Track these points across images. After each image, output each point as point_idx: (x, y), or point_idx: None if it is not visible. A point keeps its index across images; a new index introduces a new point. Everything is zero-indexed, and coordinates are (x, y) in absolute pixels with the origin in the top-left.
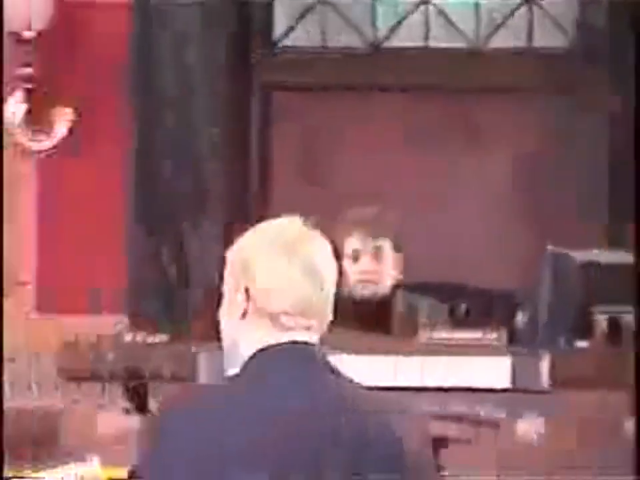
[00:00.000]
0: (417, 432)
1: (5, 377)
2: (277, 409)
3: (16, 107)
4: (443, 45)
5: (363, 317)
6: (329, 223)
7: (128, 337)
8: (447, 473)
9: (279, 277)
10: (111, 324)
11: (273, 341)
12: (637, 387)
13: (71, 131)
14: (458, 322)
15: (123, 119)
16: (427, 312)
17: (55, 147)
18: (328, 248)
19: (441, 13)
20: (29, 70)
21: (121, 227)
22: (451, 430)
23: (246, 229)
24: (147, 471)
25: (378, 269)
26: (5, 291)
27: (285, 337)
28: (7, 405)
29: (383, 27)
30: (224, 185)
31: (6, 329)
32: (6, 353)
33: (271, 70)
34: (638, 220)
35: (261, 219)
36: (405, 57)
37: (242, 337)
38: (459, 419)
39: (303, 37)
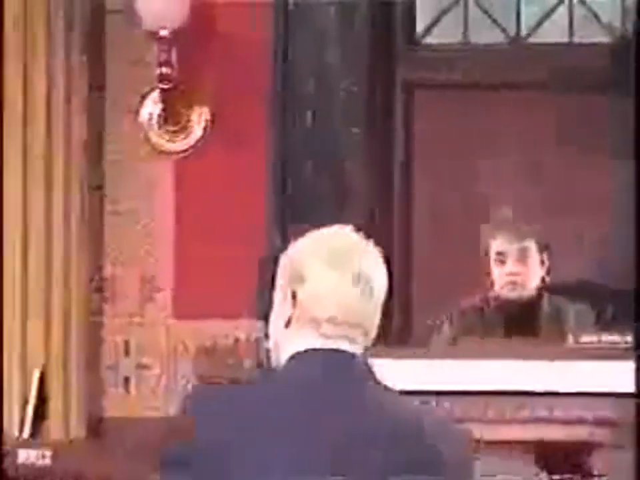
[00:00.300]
0: (453, 442)
1: (143, 384)
2: (300, 408)
3: (152, 107)
4: (586, 40)
5: (510, 320)
6: (473, 225)
7: (266, 343)
8: None
9: (327, 283)
10: (248, 329)
11: (311, 347)
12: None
13: (207, 131)
14: (605, 325)
15: (261, 119)
16: (574, 315)
17: (191, 148)
18: (379, 258)
19: (584, 5)
20: (165, 69)
21: (259, 230)
22: (596, 435)
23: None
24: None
25: (524, 271)
26: (144, 298)
27: (326, 344)
28: (146, 413)
29: (526, 22)
30: (365, 186)
31: (145, 335)
32: (145, 360)
33: (413, 68)
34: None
35: (403, 220)
36: (549, 52)
37: (285, 341)
38: (606, 423)
39: (445, 33)
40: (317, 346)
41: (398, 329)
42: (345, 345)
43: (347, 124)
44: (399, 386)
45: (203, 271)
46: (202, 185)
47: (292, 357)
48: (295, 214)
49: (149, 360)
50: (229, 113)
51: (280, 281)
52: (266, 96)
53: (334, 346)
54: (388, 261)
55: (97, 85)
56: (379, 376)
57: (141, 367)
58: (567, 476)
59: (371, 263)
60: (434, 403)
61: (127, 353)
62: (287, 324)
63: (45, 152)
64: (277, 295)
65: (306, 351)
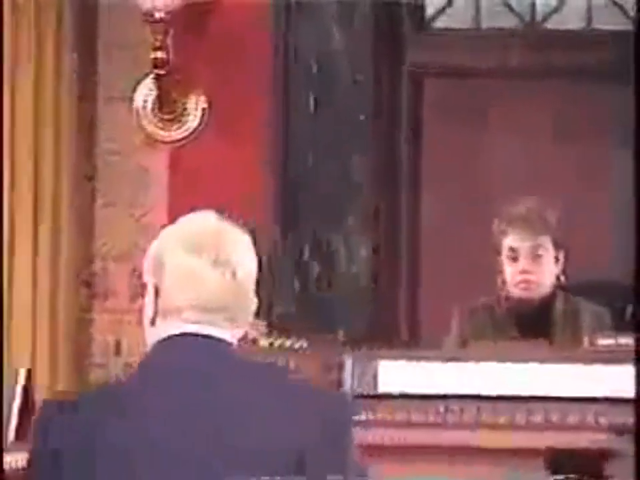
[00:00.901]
0: (339, 405)
1: None
2: (167, 395)
3: (146, 93)
4: (607, 27)
5: (522, 321)
6: (484, 219)
7: (265, 342)
8: None
9: (186, 269)
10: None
11: (173, 333)
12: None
13: (204, 120)
14: (622, 327)
15: (261, 108)
16: (590, 315)
17: (187, 137)
18: (245, 240)
19: None
20: (160, 54)
21: (258, 225)
22: (613, 442)
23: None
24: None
25: (537, 269)
26: (136, 294)
27: (188, 330)
28: None
29: (541, 6)
30: (370, 177)
31: (136, 334)
32: (136, 359)
33: (422, 52)
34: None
35: (410, 211)
36: (564, 38)
37: (152, 336)
38: (624, 430)
39: (455, 18)
40: (178, 331)
41: (406, 329)
42: (208, 328)
43: (352, 111)
44: (408, 389)
45: None
46: (198, 176)
47: (154, 346)
48: (295, 203)
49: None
50: (226, 101)
51: (145, 273)
52: (266, 83)
53: (198, 330)
54: (395, 260)
55: (89, 70)
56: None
57: (131, 365)
58: None
59: (233, 246)
60: (442, 408)
61: (117, 352)
62: (153, 319)
63: (33, 140)
64: (146, 291)
65: (167, 338)
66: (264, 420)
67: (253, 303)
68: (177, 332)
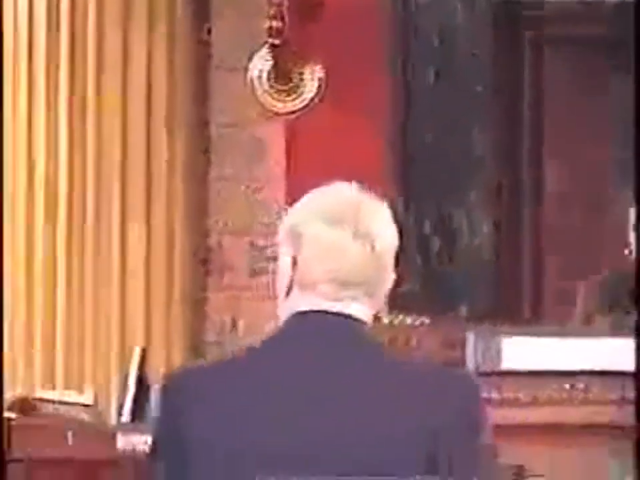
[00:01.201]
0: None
1: None
2: (281, 376)
3: (262, 64)
4: None
5: None
6: (609, 190)
7: (386, 319)
8: None
9: (326, 241)
10: None
11: (307, 308)
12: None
13: (321, 91)
14: None
15: (379, 78)
16: None
17: (303, 108)
18: (385, 212)
19: None
20: (275, 23)
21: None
22: None
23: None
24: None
25: None
26: (253, 270)
27: (325, 306)
28: None
29: None
30: (493, 149)
31: (253, 312)
32: (253, 339)
33: (541, 24)
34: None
35: (532, 185)
36: None
37: (286, 309)
38: None
39: None
40: (315, 308)
41: (529, 305)
42: (347, 306)
43: (472, 83)
44: (531, 366)
45: None
46: (315, 148)
47: (289, 320)
48: (416, 178)
49: (259, 337)
50: (344, 72)
51: (280, 245)
52: (385, 55)
53: (334, 308)
54: (518, 235)
55: (202, 41)
56: (386, 345)
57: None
58: None
59: (374, 218)
60: (568, 385)
61: (234, 330)
62: (288, 291)
63: (145, 113)
64: (279, 262)
65: (304, 313)
66: (395, 404)
67: (391, 278)
68: (311, 308)
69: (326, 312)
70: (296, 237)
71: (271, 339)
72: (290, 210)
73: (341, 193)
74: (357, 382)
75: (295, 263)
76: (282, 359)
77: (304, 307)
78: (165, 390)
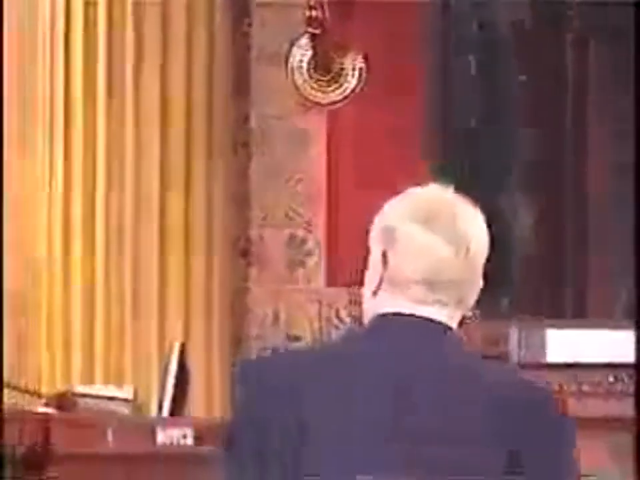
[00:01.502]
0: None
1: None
2: (371, 374)
3: (302, 54)
4: None
5: None
6: None
7: None
8: None
9: (419, 243)
10: None
11: (399, 311)
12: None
13: (362, 80)
14: None
15: (419, 67)
16: None
17: (344, 98)
18: (479, 219)
19: None
20: (315, 12)
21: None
22: None
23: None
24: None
25: None
26: (294, 262)
27: (415, 309)
28: None
29: None
30: (535, 139)
31: (295, 302)
32: (294, 331)
33: (584, 13)
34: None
35: (576, 177)
36: None
37: (374, 307)
38: None
39: None
40: (406, 310)
41: (572, 298)
42: (436, 310)
43: (513, 71)
44: (576, 358)
45: (360, 231)
46: (356, 139)
47: (375, 320)
48: (457, 167)
49: (299, 331)
50: (384, 60)
51: (372, 243)
52: (425, 44)
53: (425, 312)
54: (561, 227)
55: (241, 32)
56: (471, 350)
57: (291, 338)
58: None
59: (469, 222)
60: (612, 378)
61: (275, 323)
62: (377, 288)
63: (185, 105)
64: (370, 259)
65: (392, 315)
66: (481, 411)
67: (480, 284)
68: (399, 310)
69: (414, 315)
70: (389, 235)
71: (356, 338)
72: (384, 208)
73: (437, 195)
74: (443, 384)
75: (385, 261)
76: (371, 359)
77: (392, 309)
78: (256, 376)
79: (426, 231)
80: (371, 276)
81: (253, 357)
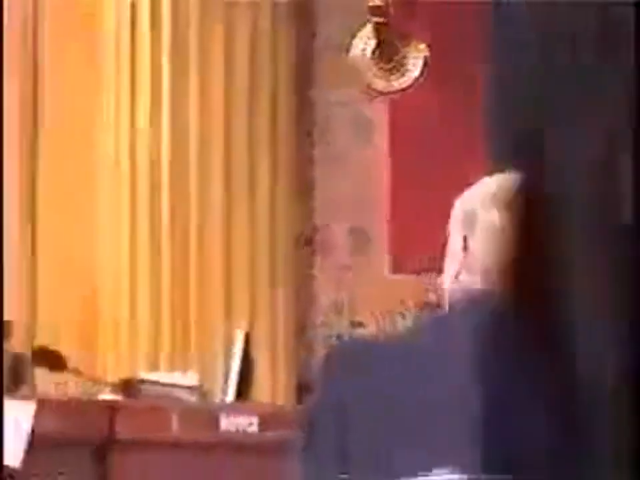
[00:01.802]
0: None
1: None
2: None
3: (364, 42)
4: None
5: None
6: None
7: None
8: None
9: (500, 230)
10: None
11: (480, 299)
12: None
13: (425, 69)
14: None
15: (479, 58)
16: None
17: (408, 87)
18: None
19: None
20: (378, 1)
21: (481, 176)
22: None
23: None
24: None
25: None
26: (357, 250)
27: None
28: None
29: None
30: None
31: (358, 291)
32: (359, 318)
33: None
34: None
35: None
36: None
37: (455, 292)
38: None
39: None
40: (482, 297)
41: None
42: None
43: (577, 61)
44: None
45: (422, 219)
46: (419, 128)
47: (456, 304)
48: (519, 157)
49: (364, 318)
50: (448, 49)
51: (452, 228)
52: (487, 33)
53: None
54: None
55: (305, 21)
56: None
57: (355, 325)
58: None
59: None
60: None
61: (338, 310)
62: (458, 273)
63: (249, 96)
64: (449, 244)
65: (472, 300)
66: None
67: None
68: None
69: (491, 302)
70: (470, 220)
71: (440, 323)
72: (465, 194)
73: (518, 183)
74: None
75: (466, 246)
76: (454, 344)
77: (472, 294)
78: (349, 359)
79: (507, 218)
80: (450, 262)
81: (344, 341)
